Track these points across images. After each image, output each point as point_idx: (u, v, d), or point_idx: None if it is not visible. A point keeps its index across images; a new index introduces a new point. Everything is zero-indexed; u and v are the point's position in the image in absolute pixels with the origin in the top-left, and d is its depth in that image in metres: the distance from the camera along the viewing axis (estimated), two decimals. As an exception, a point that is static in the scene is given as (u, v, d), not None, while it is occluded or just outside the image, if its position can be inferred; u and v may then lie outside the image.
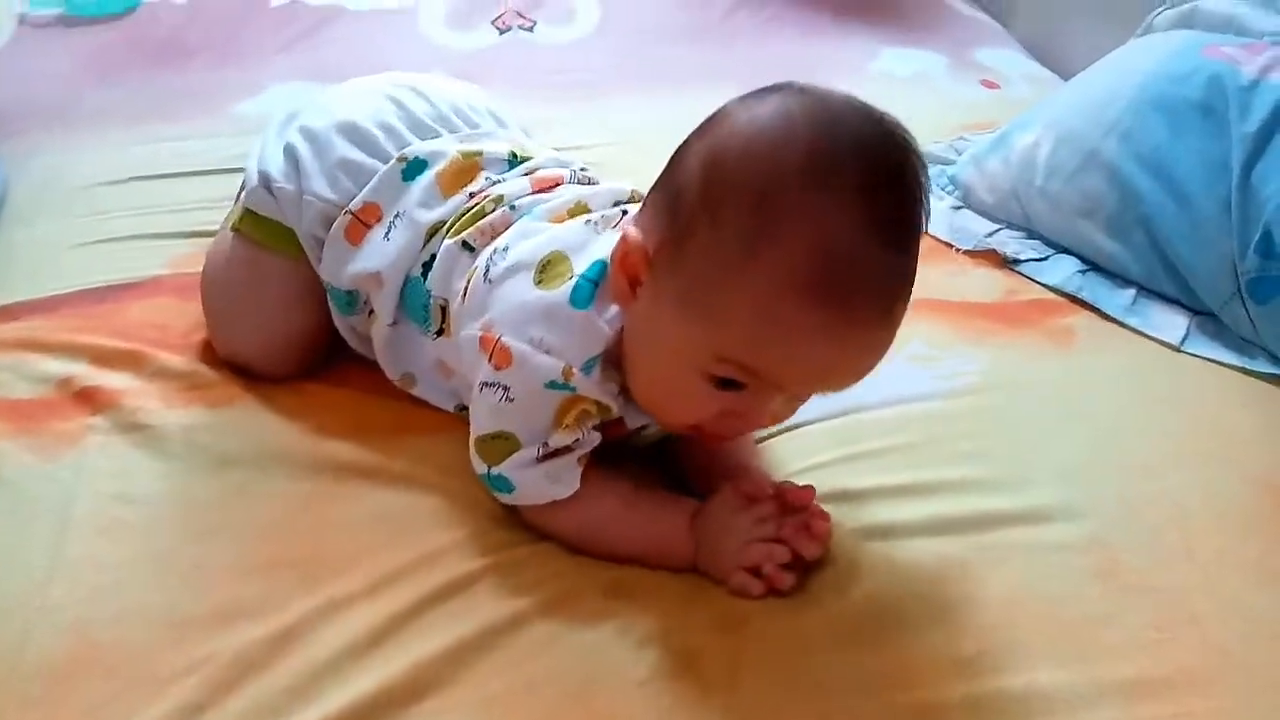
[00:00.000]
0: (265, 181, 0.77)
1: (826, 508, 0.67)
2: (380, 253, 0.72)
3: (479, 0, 1.44)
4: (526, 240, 0.67)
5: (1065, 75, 1.38)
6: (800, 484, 0.65)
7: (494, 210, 0.71)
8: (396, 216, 0.73)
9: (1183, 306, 0.91)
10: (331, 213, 0.74)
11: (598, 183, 0.76)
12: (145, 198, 1.01)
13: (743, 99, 0.60)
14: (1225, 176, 0.88)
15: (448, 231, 0.71)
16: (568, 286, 0.63)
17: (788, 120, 0.57)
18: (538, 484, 0.64)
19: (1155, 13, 1.14)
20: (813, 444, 0.74)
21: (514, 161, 0.76)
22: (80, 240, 0.95)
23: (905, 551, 0.65)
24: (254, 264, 0.78)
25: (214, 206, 0.99)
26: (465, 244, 0.70)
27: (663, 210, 0.60)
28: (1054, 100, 1.06)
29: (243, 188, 0.80)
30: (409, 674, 0.57)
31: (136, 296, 0.88)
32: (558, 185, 0.73)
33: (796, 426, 0.76)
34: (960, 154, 1.12)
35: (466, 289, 0.68)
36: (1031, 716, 0.57)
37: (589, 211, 0.70)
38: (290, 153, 0.76)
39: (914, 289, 0.92)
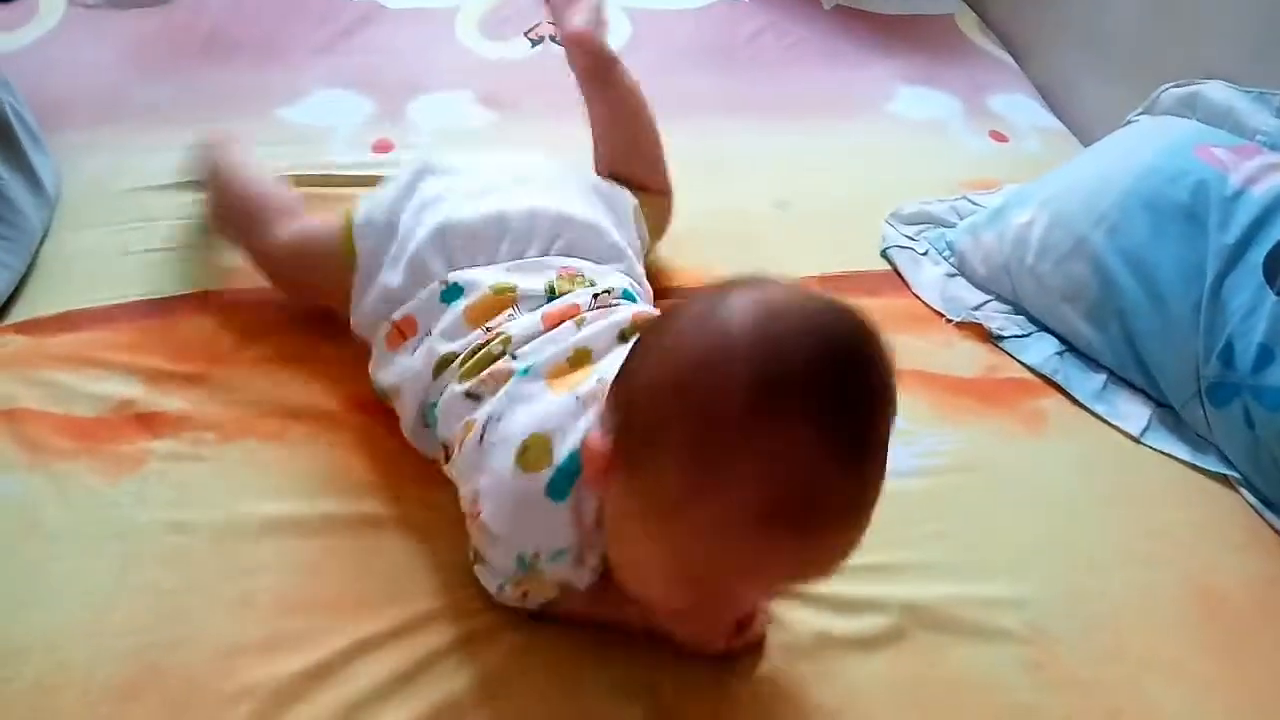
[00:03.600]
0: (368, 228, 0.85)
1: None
2: (404, 368, 0.78)
3: (515, 7, 1.48)
4: (518, 409, 0.68)
5: (1073, 126, 1.44)
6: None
7: (500, 354, 0.72)
8: (426, 335, 0.77)
9: (1148, 397, 0.99)
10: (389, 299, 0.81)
11: (617, 303, 0.76)
12: (192, 204, 1.06)
13: (695, 303, 0.59)
14: (1199, 283, 0.95)
15: (460, 367, 0.73)
16: (545, 475, 0.65)
17: (727, 342, 0.55)
18: (504, 597, 0.71)
19: (1162, 89, 1.19)
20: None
21: (551, 297, 0.76)
22: (130, 248, 1.02)
23: (868, 632, 0.74)
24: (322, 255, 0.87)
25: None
26: (469, 394, 0.72)
27: (617, 416, 0.60)
28: (1051, 180, 1.12)
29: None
30: (432, 715, 0.66)
31: (188, 312, 0.95)
32: (567, 319, 0.73)
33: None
34: (961, 216, 1.19)
35: (463, 445, 0.71)
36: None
37: (590, 359, 0.70)
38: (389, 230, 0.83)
39: (901, 359, 1.00)
